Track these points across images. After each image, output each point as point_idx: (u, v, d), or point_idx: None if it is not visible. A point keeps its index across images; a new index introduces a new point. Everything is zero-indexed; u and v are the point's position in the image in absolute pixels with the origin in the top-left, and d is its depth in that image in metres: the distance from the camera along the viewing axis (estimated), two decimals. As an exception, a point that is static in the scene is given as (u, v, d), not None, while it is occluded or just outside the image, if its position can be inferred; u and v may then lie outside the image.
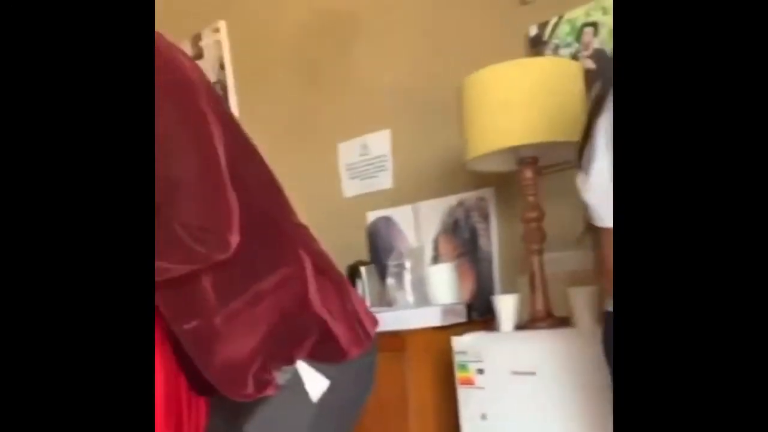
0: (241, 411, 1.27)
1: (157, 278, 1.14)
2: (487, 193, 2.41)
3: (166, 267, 1.13)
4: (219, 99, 1.24)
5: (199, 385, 1.39)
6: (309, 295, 1.24)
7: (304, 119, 3.01)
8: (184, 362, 1.39)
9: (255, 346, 1.22)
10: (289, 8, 3.07)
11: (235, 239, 1.13)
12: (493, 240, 2.39)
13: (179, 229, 1.09)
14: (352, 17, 2.83)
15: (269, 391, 1.23)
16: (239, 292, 1.22)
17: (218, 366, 1.23)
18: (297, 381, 1.25)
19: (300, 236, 1.30)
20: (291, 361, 1.23)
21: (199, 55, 3.38)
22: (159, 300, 1.25)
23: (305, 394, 1.24)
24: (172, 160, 1.09)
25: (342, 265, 2.45)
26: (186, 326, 1.23)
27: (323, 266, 1.29)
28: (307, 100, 3.00)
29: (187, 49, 3.37)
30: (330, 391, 1.26)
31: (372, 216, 2.75)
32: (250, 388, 1.23)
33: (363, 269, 2.51)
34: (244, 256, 1.18)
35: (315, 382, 1.25)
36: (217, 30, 3.34)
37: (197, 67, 1.23)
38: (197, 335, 1.23)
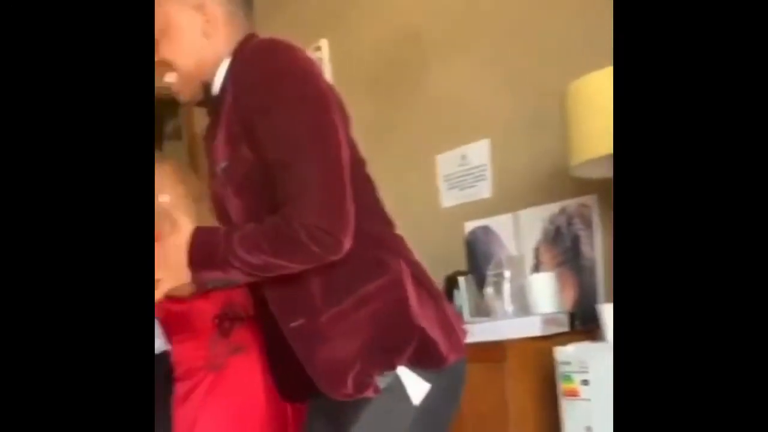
0: (342, 413, 1.28)
1: (272, 274, 1.20)
2: (590, 200, 2.34)
3: (282, 265, 1.18)
4: (346, 114, 1.31)
5: (290, 390, 1.42)
6: (409, 303, 1.25)
7: (402, 133, 3.03)
8: (275, 367, 1.43)
9: (356, 349, 1.23)
10: (386, 25, 3.11)
11: (348, 243, 1.18)
12: (597, 247, 2.32)
13: (299, 229, 1.14)
14: (447, 30, 2.83)
15: (369, 393, 1.24)
16: (344, 295, 1.25)
17: (320, 364, 1.25)
18: (398, 384, 1.25)
19: (399, 246, 1.34)
20: (392, 367, 1.25)
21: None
22: (269, 298, 1.30)
23: (407, 397, 1.25)
24: (302, 164, 1.16)
25: (440, 276, 2.44)
26: (292, 324, 1.27)
27: (420, 276, 1.32)
28: (405, 113, 3.01)
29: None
30: (428, 395, 1.27)
31: (470, 226, 2.73)
32: (350, 389, 1.24)
33: (461, 279, 2.48)
34: (352, 260, 1.22)
35: (417, 386, 1.26)
36: (318, 48, 3.41)
37: (330, 84, 1.29)
38: (302, 334, 1.26)
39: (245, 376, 1.62)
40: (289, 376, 1.36)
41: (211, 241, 1.20)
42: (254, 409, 1.61)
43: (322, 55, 3.39)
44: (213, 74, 1.33)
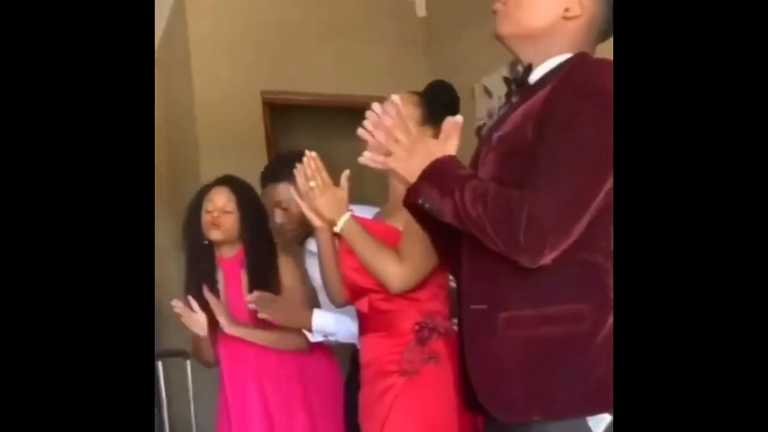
0: None
1: (472, 230, 1.18)
2: None
3: (485, 229, 1.17)
4: None
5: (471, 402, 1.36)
6: (596, 338, 1.18)
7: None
8: (464, 378, 1.37)
9: (527, 366, 1.20)
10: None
11: (549, 257, 1.16)
12: None
13: (524, 212, 1.14)
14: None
15: (536, 417, 1.19)
16: (529, 304, 1.21)
17: (480, 361, 1.24)
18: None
19: (604, 280, 1.24)
20: (560, 416, 1.18)
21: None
22: (466, 272, 1.29)
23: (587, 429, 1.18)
24: (566, 170, 1.16)
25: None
26: (473, 306, 1.26)
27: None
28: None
29: (503, 75, 3.33)
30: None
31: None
32: (520, 409, 1.20)
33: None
34: (548, 276, 1.19)
35: (598, 419, 1.17)
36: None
37: None
38: (478, 319, 1.25)
39: (438, 387, 1.61)
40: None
41: (454, 168, 1.23)
42: (444, 421, 1.60)
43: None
44: (543, 56, 1.31)
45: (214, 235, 2.24)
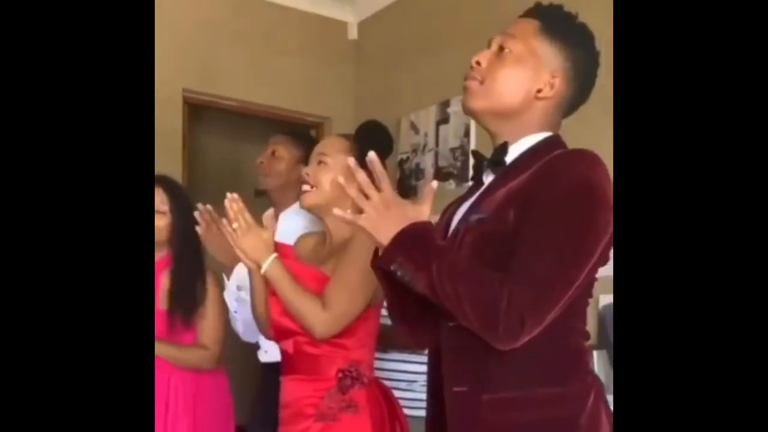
0: None
1: (447, 305, 1.17)
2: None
3: (463, 308, 1.16)
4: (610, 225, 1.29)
5: None
6: (580, 420, 1.21)
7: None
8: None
9: None
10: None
11: (524, 338, 1.16)
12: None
13: (504, 296, 1.14)
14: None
15: None
16: (519, 385, 1.21)
17: None
18: None
19: (587, 359, 1.29)
20: None
21: (445, 120, 3.39)
22: (446, 349, 1.28)
23: None
24: (548, 259, 1.16)
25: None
26: (456, 388, 1.24)
27: (603, 393, 1.27)
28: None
29: (433, 114, 3.42)
30: None
31: (605, 300, 2.57)
32: None
33: (594, 353, 2.33)
34: (539, 354, 1.20)
35: None
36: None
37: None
38: (460, 402, 1.23)
39: (353, 435, 1.63)
40: None
41: (432, 238, 1.20)
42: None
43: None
44: (515, 134, 1.34)
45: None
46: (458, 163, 3.21)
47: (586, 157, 1.26)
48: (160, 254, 2.19)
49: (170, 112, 3.50)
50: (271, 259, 1.66)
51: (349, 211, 1.26)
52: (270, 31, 3.77)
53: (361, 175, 1.20)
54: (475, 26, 3.06)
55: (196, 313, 2.16)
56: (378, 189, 1.21)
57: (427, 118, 3.40)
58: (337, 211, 1.24)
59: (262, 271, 1.66)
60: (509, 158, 1.33)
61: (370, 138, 1.80)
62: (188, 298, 2.13)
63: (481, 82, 1.34)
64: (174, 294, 2.13)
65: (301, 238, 1.89)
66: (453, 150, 3.25)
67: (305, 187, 1.75)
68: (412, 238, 1.18)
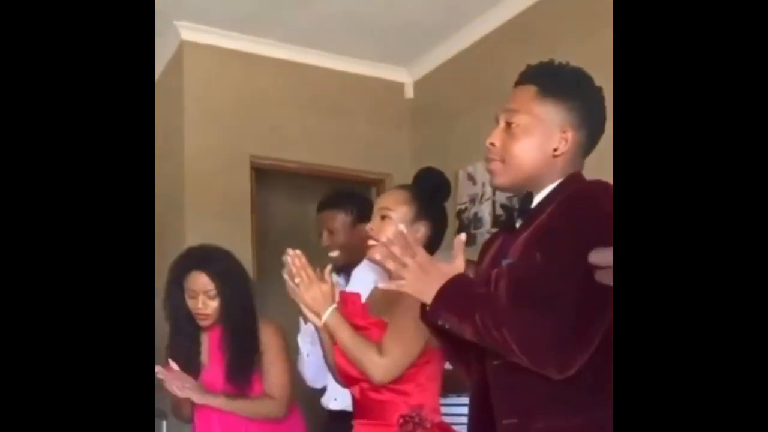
0: None
1: (497, 349, 1.24)
2: None
3: (514, 351, 1.23)
4: None
5: None
6: None
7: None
8: None
9: None
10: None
11: (577, 366, 1.24)
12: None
13: (547, 337, 1.22)
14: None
15: None
16: (560, 414, 1.28)
17: None
18: None
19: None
20: None
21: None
22: (494, 384, 1.34)
23: None
24: (574, 294, 1.22)
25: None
26: (505, 421, 1.31)
27: None
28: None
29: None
30: None
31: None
32: None
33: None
34: (569, 385, 1.26)
35: None
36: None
37: None
38: None
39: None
40: None
41: (470, 289, 1.29)
42: None
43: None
44: (540, 187, 1.41)
45: (205, 323, 2.30)
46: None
47: (599, 189, 1.32)
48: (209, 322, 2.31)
49: (238, 177, 3.70)
50: (330, 310, 1.74)
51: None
52: (329, 95, 3.93)
53: (395, 248, 1.29)
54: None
55: (253, 377, 2.26)
56: (413, 255, 1.29)
57: (483, 169, 3.46)
58: (381, 284, 1.31)
59: (322, 321, 1.74)
60: (534, 204, 1.41)
61: (428, 183, 1.89)
62: (244, 370, 2.25)
63: (502, 161, 1.41)
64: (229, 368, 2.26)
65: (374, 291, 1.96)
66: (509, 198, 3.30)
67: (371, 242, 1.81)
68: (452, 292, 1.28)
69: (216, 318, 2.29)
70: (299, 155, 3.85)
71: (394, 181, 4.09)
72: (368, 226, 1.84)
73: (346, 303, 1.83)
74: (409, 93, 4.16)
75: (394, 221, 1.77)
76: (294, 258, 1.77)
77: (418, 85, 4.10)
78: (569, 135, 1.39)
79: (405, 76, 4.16)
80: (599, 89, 1.44)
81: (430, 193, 1.86)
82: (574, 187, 1.37)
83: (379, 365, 1.69)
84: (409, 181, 4.33)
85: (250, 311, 2.23)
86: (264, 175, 3.96)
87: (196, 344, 2.36)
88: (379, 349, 1.70)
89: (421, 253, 1.30)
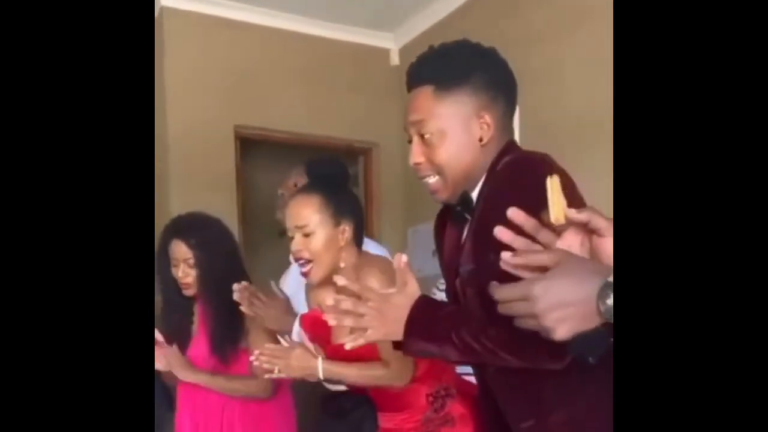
0: None
1: (489, 363, 1.19)
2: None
3: (505, 358, 1.17)
4: None
5: None
6: None
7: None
8: None
9: None
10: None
11: (566, 358, 1.14)
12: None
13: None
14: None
15: None
16: (577, 397, 1.23)
17: None
18: None
19: None
20: None
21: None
22: (498, 397, 1.31)
23: None
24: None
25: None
26: (523, 425, 1.27)
27: None
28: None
29: None
30: None
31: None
32: None
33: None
34: (582, 371, 1.20)
35: None
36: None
37: None
38: None
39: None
40: None
41: (433, 313, 1.20)
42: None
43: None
44: (476, 182, 1.32)
45: (189, 293, 2.24)
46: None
47: (515, 170, 1.24)
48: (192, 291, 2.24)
49: (223, 147, 3.64)
50: (320, 366, 1.69)
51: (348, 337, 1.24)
52: (315, 63, 3.86)
53: (345, 304, 1.20)
54: (512, 44, 3.09)
55: (237, 352, 2.19)
56: (366, 300, 1.20)
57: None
58: (348, 345, 1.21)
59: (321, 377, 1.70)
60: (475, 192, 1.33)
61: (327, 178, 1.79)
62: (224, 344, 2.18)
63: (437, 174, 1.32)
64: (212, 340, 2.19)
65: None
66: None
67: (304, 269, 1.72)
68: (420, 322, 1.19)
69: (197, 288, 2.24)
70: (285, 125, 3.79)
71: (382, 151, 4.07)
72: (293, 248, 1.72)
73: (315, 325, 1.77)
74: (395, 60, 4.11)
75: (317, 234, 1.70)
76: (240, 293, 1.82)
77: (404, 51, 4.04)
78: (487, 117, 1.30)
79: (390, 43, 4.10)
80: (488, 50, 1.33)
81: (335, 187, 1.75)
82: (498, 171, 1.28)
83: (393, 374, 1.66)
84: (396, 149, 4.31)
85: (231, 282, 2.15)
86: (249, 146, 3.92)
87: (189, 314, 2.30)
88: (383, 361, 1.66)
89: (373, 296, 1.20)
